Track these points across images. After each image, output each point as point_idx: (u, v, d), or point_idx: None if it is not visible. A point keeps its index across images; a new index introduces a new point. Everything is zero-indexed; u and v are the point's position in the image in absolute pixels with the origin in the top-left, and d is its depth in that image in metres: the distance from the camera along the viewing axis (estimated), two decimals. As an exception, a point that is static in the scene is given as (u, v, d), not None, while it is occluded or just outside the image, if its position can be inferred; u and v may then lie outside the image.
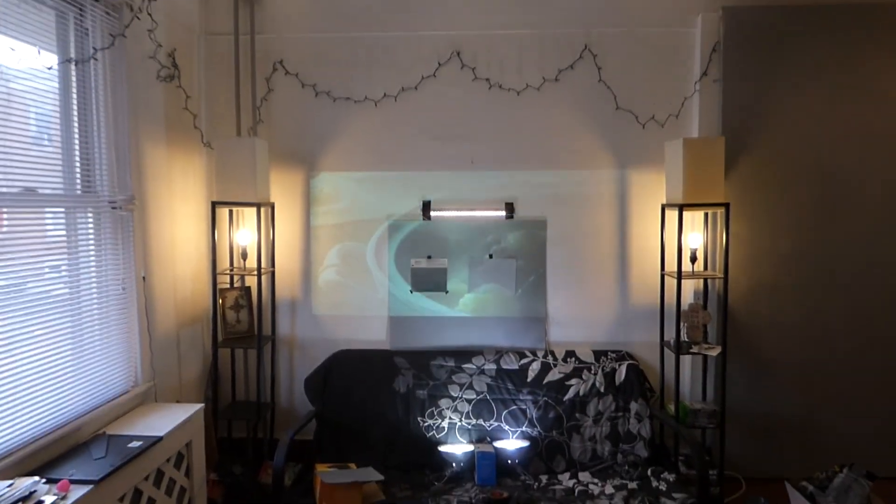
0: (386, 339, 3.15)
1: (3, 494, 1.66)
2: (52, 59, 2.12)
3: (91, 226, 2.29)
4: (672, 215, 3.01)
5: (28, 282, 1.96)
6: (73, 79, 2.20)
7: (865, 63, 2.93)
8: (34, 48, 2.01)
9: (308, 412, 2.93)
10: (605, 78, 3.06)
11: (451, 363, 3.00)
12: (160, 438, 2.14)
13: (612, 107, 3.07)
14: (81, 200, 2.24)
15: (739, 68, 2.95)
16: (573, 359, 3.01)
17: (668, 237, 3.01)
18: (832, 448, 3.02)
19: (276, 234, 3.16)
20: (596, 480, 2.68)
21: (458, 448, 2.81)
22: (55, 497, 1.71)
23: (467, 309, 3.12)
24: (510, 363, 3.00)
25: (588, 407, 2.90)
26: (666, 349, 3.04)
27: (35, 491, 1.73)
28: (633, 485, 2.61)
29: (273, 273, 3.15)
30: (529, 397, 2.90)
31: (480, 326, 3.11)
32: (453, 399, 2.91)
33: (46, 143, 2.09)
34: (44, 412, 2.02)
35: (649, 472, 2.70)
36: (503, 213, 3.09)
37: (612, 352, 3.03)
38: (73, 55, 2.19)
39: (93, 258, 2.29)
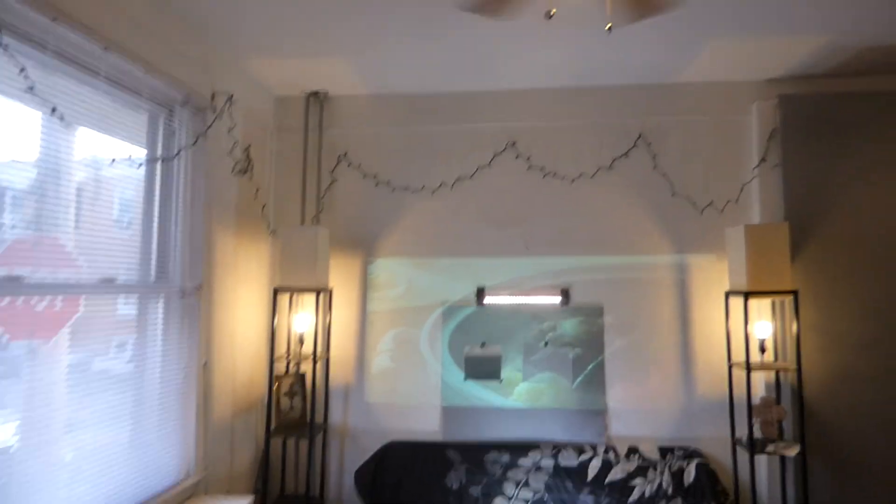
0: (439, 430, 3.09)
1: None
2: (142, 154, 2.28)
3: (161, 311, 2.37)
4: (737, 303, 2.92)
5: (97, 363, 2.01)
6: (158, 174, 2.36)
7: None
8: (127, 146, 2.18)
9: None
10: (660, 165, 3.10)
11: (506, 458, 2.91)
12: (211, 533, 2.08)
13: (669, 193, 3.10)
14: (154, 288, 2.33)
15: (800, 154, 2.94)
16: (636, 455, 2.90)
17: (735, 326, 2.91)
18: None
19: (333, 319, 3.20)
20: None
21: (515, 552, 2.66)
22: None
23: (521, 399, 3.06)
24: (569, 459, 2.90)
25: None
26: (738, 447, 2.87)
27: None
28: None
29: (328, 359, 3.16)
30: (590, 497, 2.78)
31: (536, 418, 3.03)
32: (508, 499, 2.80)
33: (127, 231, 2.21)
34: (98, 496, 1.99)
35: (728, 590, 2.48)
36: (558, 298, 3.08)
37: (679, 448, 2.91)
38: (160, 153, 2.36)
39: (160, 343, 2.35)
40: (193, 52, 2.51)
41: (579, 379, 3.04)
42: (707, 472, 2.79)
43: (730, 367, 2.90)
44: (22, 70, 1.68)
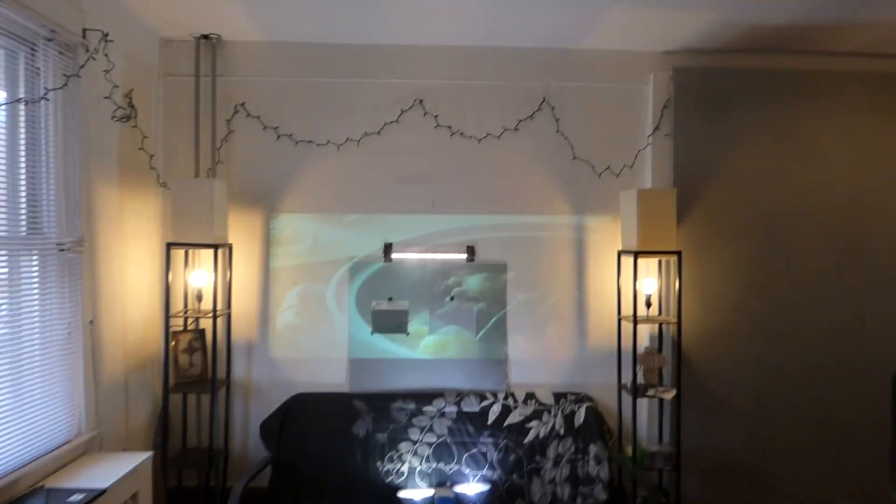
0: (345, 382, 3.12)
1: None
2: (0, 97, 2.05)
3: (36, 268, 2.21)
4: (628, 262, 3.09)
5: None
6: (22, 118, 2.14)
7: (806, 123, 3.11)
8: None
9: (263, 458, 2.87)
10: (562, 129, 3.15)
11: (412, 406, 2.98)
12: (103, 491, 2.05)
13: (570, 156, 3.16)
14: (26, 243, 2.16)
15: (689, 124, 3.10)
16: (533, 401, 3.02)
17: (625, 283, 3.08)
18: (784, 489, 3.09)
19: (234, 275, 3.10)
20: (555, 526, 2.65)
21: (417, 493, 2.79)
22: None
23: (428, 351, 3.12)
24: (471, 405, 3.00)
25: (548, 449, 2.91)
26: (623, 392, 3.08)
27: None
28: (591, 529, 2.60)
29: (229, 315, 3.09)
30: (490, 440, 2.90)
31: (441, 369, 3.11)
32: (413, 443, 2.90)
33: (-8, 183, 2.01)
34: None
35: (608, 516, 2.68)
36: (464, 255, 3.13)
37: (572, 394, 3.06)
38: (22, 94, 2.13)
39: (36, 301, 2.21)
40: (61, -20, 2.24)
41: (482, 332, 3.14)
42: (595, 414, 2.98)
43: (619, 321, 3.09)
44: None
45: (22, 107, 2.15)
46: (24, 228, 2.17)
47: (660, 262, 3.12)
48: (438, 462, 2.87)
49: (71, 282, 2.37)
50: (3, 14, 1.99)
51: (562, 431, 2.92)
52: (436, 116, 3.12)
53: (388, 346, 3.12)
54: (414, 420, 2.94)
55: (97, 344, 2.52)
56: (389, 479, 2.84)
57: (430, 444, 2.90)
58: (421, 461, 2.87)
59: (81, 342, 2.41)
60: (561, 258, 3.18)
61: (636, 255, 2.83)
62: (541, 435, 2.92)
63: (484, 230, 3.14)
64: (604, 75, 3.15)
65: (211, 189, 2.74)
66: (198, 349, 2.98)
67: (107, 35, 2.49)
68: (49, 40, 2.24)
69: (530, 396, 3.03)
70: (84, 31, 2.39)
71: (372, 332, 3.12)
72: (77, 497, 1.98)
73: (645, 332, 3.15)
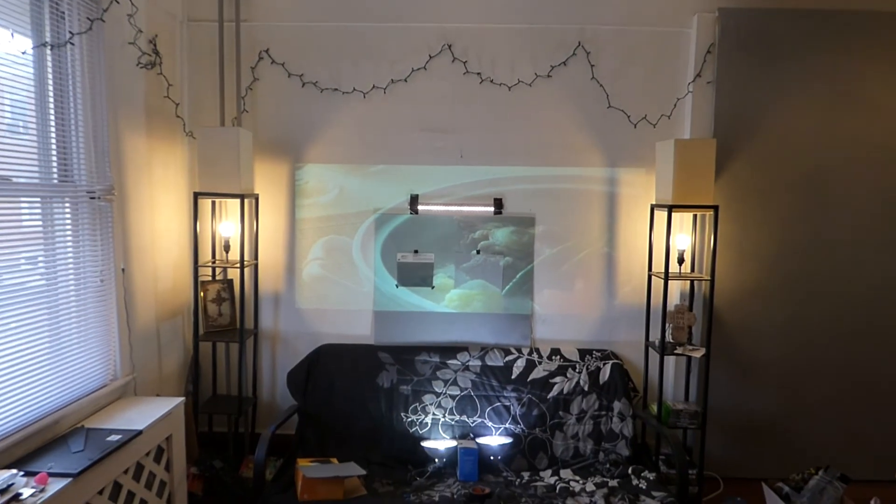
0: (370, 334, 3.16)
1: (-19, 488, 1.67)
2: (27, 44, 2.07)
3: (69, 216, 2.27)
4: (661, 216, 3.03)
5: (2, 274, 1.93)
6: (49, 64, 2.16)
7: (858, 71, 2.96)
8: (7, 31, 1.96)
9: (290, 407, 2.93)
10: (597, 76, 3.06)
11: (436, 359, 3.01)
12: (140, 432, 2.14)
13: (605, 105, 3.07)
14: (58, 190, 2.21)
15: (733, 71, 2.97)
16: (558, 357, 3.03)
17: (657, 238, 3.02)
18: (809, 451, 3.10)
19: (260, 226, 3.13)
20: (577, 478, 2.70)
21: (440, 444, 2.84)
22: (33, 490, 1.70)
23: (453, 305, 3.13)
24: (495, 360, 3.02)
25: (571, 405, 2.92)
26: (651, 350, 3.08)
27: (13, 484, 1.72)
28: (613, 483, 2.65)
29: (256, 266, 3.12)
30: (513, 394, 2.92)
31: (466, 323, 3.12)
32: (437, 395, 2.93)
33: (21, 130, 2.05)
34: (21, 405, 2.01)
35: (630, 471, 2.73)
36: (491, 208, 3.10)
37: (598, 351, 3.06)
38: (48, 39, 2.14)
39: (70, 249, 2.27)
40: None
41: (508, 286, 3.13)
42: (620, 371, 2.98)
43: (649, 277, 3.04)
44: None
45: (48, 53, 2.15)
46: (55, 176, 2.21)
47: (695, 217, 3.06)
48: (462, 414, 2.90)
49: (102, 230, 2.43)
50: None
51: (586, 388, 2.93)
52: (465, 63, 3.05)
53: (413, 299, 3.13)
54: (438, 373, 2.97)
55: (129, 292, 2.58)
56: (413, 430, 2.88)
57: (453, 397, 2.92)
58: (444, 413, 2.90)
59: (114, 290, 2.48)
60: (591, 212, 3.13)
61: (671, 209, 2.77)
62: (565, 390, 2.93)
63: (512, 182, 3.10)
64: (644, 18, 3.02)
65: (237, 138, 2.74)
66: (226, 299, 3.04)
67: (127, -24, 2.46)
68: (72, -18, 2.23)
69: (555, 352, 3.04)
70: (106, -27, 2.37)
71: (397, 285, 3.13)
72: (115, 437, 2.07)
73: (675, 290, 3.11)
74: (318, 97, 3.07)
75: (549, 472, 2.79)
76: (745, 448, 3.09)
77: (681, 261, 2.98)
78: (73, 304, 2.28)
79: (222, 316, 3.03)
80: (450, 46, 3.04)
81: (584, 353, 3.05)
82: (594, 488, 2.59)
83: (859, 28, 2.93)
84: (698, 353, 2.85)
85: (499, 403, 2.93)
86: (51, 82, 2.17)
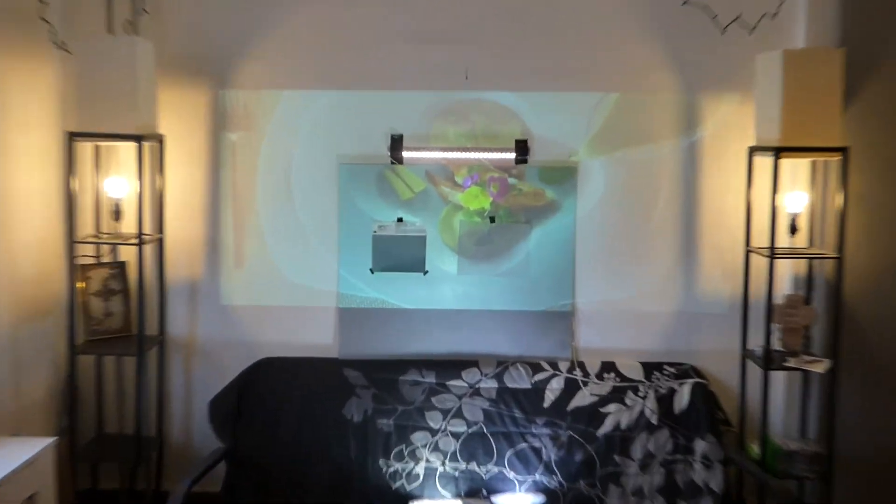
0: (333, 344, 3.13)
1: None
2: None
3: None
4: (763, 164, 2.93)
5: None
6: None
7: None
8: None
9: (213, 451, 2.89)
10: (668, -46, 2.98)
11: (431, 379, 2.99)
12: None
13: (678, 0, 3.01)
14: None
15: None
16: (612, 374, 3.00)
17: (758, 197, 2.96)
18: None
19: (168, 183, 3.08)
20: (643, 557, 2.73)
21: (437, 507, 2.82)
22: None
23: (456, 299, 3.10)
24: (519, 380, 2.99)
25: (633, 446, 2.90)
26: (749, 362, 3.04)
27: None
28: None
29: (161, 242, 3.06)
30: (546, 431, 2.90)
31: (475, 325, 3.10)
32: (433, 433, 2.91)
33: None
34: None
35: (721, 545, 2.73)
36: (512, 154, 3.03)
37: (671, 365, 3.03)
38: None
39: None
40: None
41: (538, 270, 3.09)
42: (705, 395, 2.94)
43: (747, 254, 2.99)
44: None
45: None
46: None
47: (813, 165, 3.03)
48: (469, 461, 2.89)
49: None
50: None
51: (654, 420, 2.91)
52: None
53: (396, 290, 3.09)
54: (434, 400, 2.95)
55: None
56: (398, 484, 2.86)
57: (456, 436, 2.90)
58: (444, 459, 2.88)
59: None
60: (660, 160, 3.09)
61: (778, 152, 2.73)
62: (623, 424, 2.91)
63: (542, 116, 3.06)
64: None
65: (132, 53, 2.70)
66: (117, 291, 2.99)
67: None
68: None
69: (608, 368, 3.01)
70: None
71: (372, 271, 3.09)
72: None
73: (786, 273, 3.09)
74: (251, -6, 3.01)
75: (600, 548, 2.80)
76: (890, 506, 3.06)
77: (793, 230, 2.94)
78: None
79: (111, 317, 2.99)
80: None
81: (650, 368, 3.01)
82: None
83: None
84: (820, 367, 2.81)
85: (525, 444, 2.90)
86: None
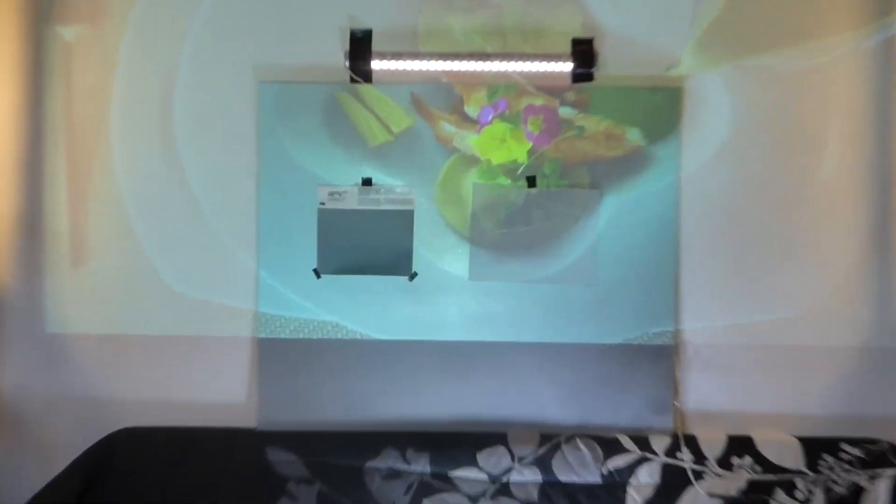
0: (247, 402, 2.85)
1: None
2: None
3: None
4: None
5: None
6: None
7: None
8: None
9: None
10: None
11: (423, 466, 2.73)
12: None
13: None
14: None
15: None
16: (748, 459, 2.69)
17: None
18: None
19: None
20: None
21: None
22: None
23: (467, 322, 2.87)
24: (580, 469, 2.70)
25: None
26: None
27: None
28: None
29: None
30: None
31: (501, 370, 2.85)
32: None
33: None
34: None
35: None
36: (567, 65, 2.72)
37: (853, 442, 2.71)
38: None
39: None
40: None
41: (613, 272, 2.83)
42: None
43: None
44: None
45: None
46: None
47: None
48: None
49: None
50: None
51: None
52: None
53: (359, 307, 2.85)
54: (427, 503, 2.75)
55: None
56: None
57: None
58: None
59: None
60: (829, 71, 2.81)
61: None
62: None
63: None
64: None
65: None
66: None
67: None
68: None
69: (739, 447, 2.71)
70: None
71: (318, 273, 2.84)
72: None
73: None
74: None
75: None
76: None
77: None
78: None
79: None
80: None
81: (815, 447, 2.70)
82: None
83: None
84: None
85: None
86: None
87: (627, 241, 2.82)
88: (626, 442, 2.71)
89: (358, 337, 2.84)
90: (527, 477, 2.68)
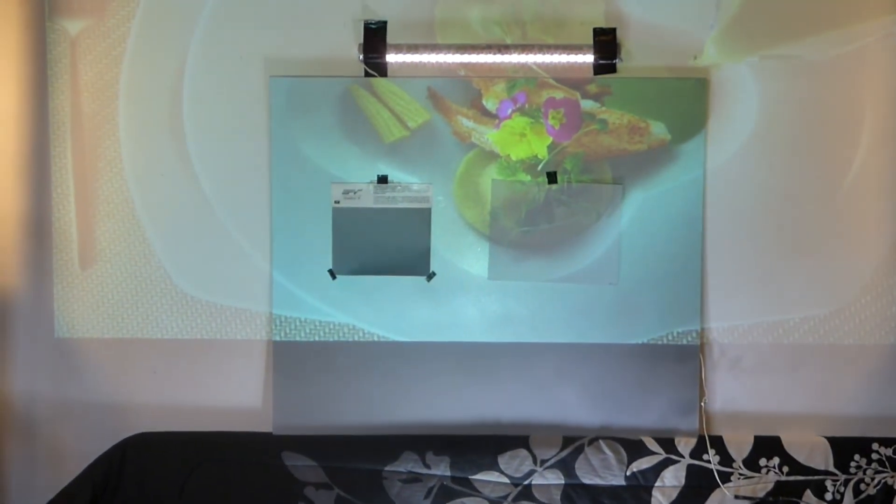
0: (263, 408, 2.83)
1: None
2: None
3: None
4: None
5: None
6: None
7: None
8: None
9: None
10: None
11: (443, 470, 2.72)
12: None
13: None
14: None
15: None
16: (776, 460, 2.68)
17: None
18: None
19: None
20: None
21: None
22: None
23: (487, 323, 2.85)
24: (603, 471, 2.70)
25: None
26: None
27: None
28: None
29: None
30: None
31: (522, 371, 2.82)
32: None
33: None
34: None
35: None
36: (588, 56, 2.68)
37: (886, 442, 2.71)
38: None
39: None
40: None
41: (636, 271, 2.80)
42: None
43: None
44: None
45: None
46: None
47: None
48: None
49: None
50: None
51: None
52: None
53: (376, 309, 2.83)
54: None
55: None
56: None
57: None
58: None
59: None
60: (866, 59, 2.76)
61: None
62: None
63: None
64: None
65: None
66: None
67: None
68: None
69: (767, 448, 2.70)
70: None
71: (334, 274, 2.80)
72: None
73: None
74: None
75: None
76: None
77: None
78: None
79: None
80: None
81: (846, 448, 2.69)
82: None
83: None
84: None
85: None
86: None
87: (651, 238, 2.79)
88: (651, 444, 2.71)
89: (375, 339, 2.82)
90: (549, 480, 2.69)
